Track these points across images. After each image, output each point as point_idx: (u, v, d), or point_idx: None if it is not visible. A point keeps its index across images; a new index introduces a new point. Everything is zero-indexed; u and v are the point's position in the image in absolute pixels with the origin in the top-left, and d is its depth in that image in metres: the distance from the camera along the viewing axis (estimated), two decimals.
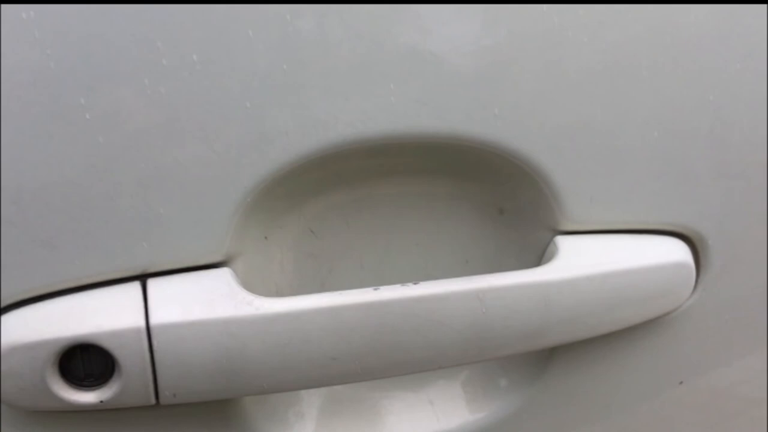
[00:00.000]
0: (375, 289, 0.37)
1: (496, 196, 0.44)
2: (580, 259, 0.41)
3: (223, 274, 0.37)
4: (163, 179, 0.35)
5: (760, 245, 0.46)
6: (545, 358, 0.46)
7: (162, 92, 0.34)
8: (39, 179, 0.33)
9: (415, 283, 0.38)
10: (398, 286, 0.38)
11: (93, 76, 0.33)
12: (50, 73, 0.32)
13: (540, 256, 0.44)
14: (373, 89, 0.36)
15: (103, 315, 0.35)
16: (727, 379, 0.50)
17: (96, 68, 0.33)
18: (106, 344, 0.34)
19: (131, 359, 0.35)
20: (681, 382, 0.49)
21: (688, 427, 0.51)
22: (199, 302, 0.36)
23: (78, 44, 0.32)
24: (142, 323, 0.35)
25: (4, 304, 0.35)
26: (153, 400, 0.36)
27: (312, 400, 0.45)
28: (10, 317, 0.35)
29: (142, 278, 0.36)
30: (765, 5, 0.41)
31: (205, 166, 0.35)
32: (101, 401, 0.36)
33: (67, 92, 0.33)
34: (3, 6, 0.31)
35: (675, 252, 0.43)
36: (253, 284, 0.40)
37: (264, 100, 0.35)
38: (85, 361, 0.35)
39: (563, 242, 0.42)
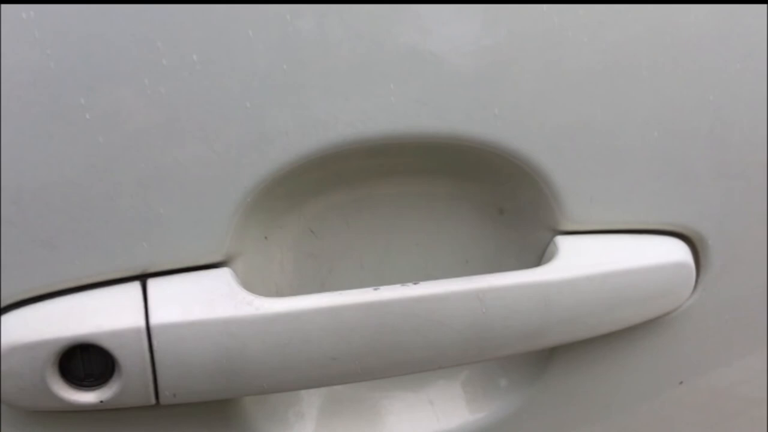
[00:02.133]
0: (375, 289, 0.37)
1: (496, 196, 0.44)
2: (580, 259, 0.41)
3: (223, 274, 0.37)
4: (163, 179, 0.35)
5: (760, 245, 0.46)
6: (545, 358, 0.46)
7: (162, 92, 0.34)
8: (39, 179, 0.33)
9: (415, 283, 0.38)
10: (398, 286, 0.38)
11: (93, 76, 0.33)
12: (50, 73, 0.32)
13: (540, 256, 0.44)
14: (373, 89, 0.36)
15: (103, 315, 0.35)
16: (727, 379, 0.50)
17: (96, 68, 0.33)
18: (106, 344, 0.34)
19: (131, 359, 0.35)
20: (681, 382, 0.49)
21: (688, 427, 0.51)
22: (199, 302, 0.36)
23: (78, 44, 0.32)
24: (142, 323, 0.35)
25: (4, 304, 0.35)
26: (153, 400, 0.36)
27: (312, 400, 0.45)
28: (10, 317, 0.35)
29: (142, 278, 0.36)
30: (765, 5, 0.41)
31: (205, 166, 0.35)
32: (101, 401, 0.36)
33: (67, 92, 0.33)
34: (3, 6, 0.31)
35: (675, 252, 0.43)
36: (253, 284, 0.40)
37: (264, 100, 0.35)
38: (85, 361, 0.35)
39: (563, 242, 0.42)
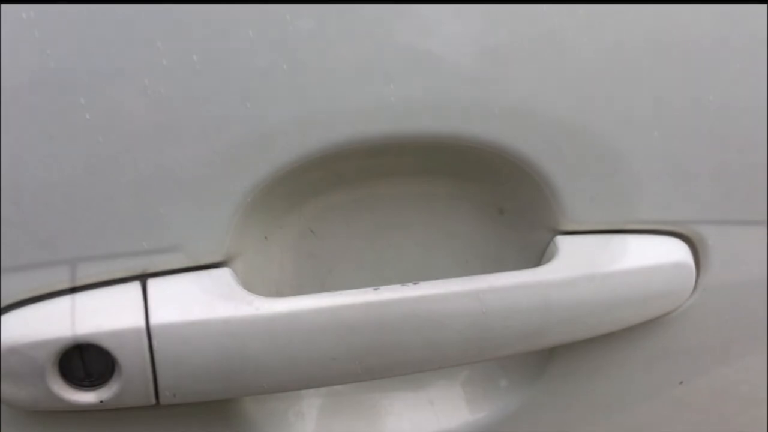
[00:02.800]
0: (375, 290, 0.37)
1: (496, 196, 0.44)
2: (580, 259, 0.41)
3: (223, 274, 0.37)
4: (163, 179, 0.35)
5: (760, 245, 0.46)
6: (545, 358, 0.46)
7: (162, 92, 0.33)
8: (39, 179, 0.33)
9: (415, 283, 0.38)
10: (398, 286, 0.38)
11: (93, 76, 0.33)
12: (50, 73, 0.32)
13: (540, 256, 0.44)
14: (373, 89, 0.36)
15: (103, 315, 0.35)
16: (727, 379, 0.50)
17: (96, 68, 0.33)
18: (106, 344, 0.34)
19: (131, 359, 0.35)
20: (681, 382, 0.49)
21: (688, 427, 0.51)
22: (199, 302, 0.36)
23: (78, 44, 0.32)
24: (142, 323, 0.35)
25: (4, 304, 0.35)
26: (153, 400, 0.36)
27: (312, 400, 0.45)
28: (10, 317, 0.35)
29: (142, 278, 0.36)
30: (765, 5, 0.41)
31: (205, 166, 0.35)
32: (101, 401, 0.36)
33: (67, 92, 0.33)
34: (3, 6, 0.31)
35: (675, 252, 0.43)
36: (253, 284, 0.40)
37: (264, 100, 0.35)
38: (85, 361, 0.35)
39: (563, 242, 0.42)
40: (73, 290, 0.36)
